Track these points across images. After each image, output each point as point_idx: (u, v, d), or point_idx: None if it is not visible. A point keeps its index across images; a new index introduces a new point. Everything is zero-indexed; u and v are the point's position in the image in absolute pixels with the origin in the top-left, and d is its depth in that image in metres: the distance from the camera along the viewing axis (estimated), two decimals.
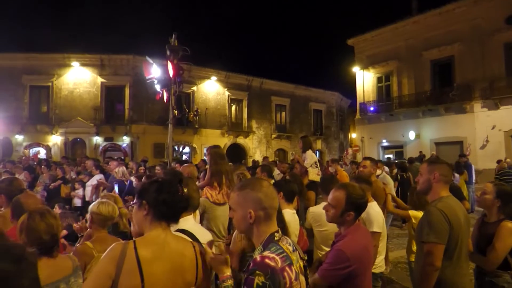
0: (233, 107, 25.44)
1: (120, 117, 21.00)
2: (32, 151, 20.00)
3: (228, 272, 1.64)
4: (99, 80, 20.88)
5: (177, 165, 6.70)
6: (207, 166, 4.42)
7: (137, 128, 20.69)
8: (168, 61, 6.12)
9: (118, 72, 21.02)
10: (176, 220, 1.70)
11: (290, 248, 1.59)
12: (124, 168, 7.28)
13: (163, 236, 1.62)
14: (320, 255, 3.13)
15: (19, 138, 19.96)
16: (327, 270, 2.17)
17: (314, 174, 5.96)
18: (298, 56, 62.21)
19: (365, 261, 2.26)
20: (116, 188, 6.77)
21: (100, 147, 20.47)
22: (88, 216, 2.88)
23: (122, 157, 17.22)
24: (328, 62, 65.19)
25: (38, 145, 20.37)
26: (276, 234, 1.59)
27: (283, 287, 1.42)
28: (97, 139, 20.53)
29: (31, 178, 9.35)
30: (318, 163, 6.32)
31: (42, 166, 10.17)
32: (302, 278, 1.57)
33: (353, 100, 27.49)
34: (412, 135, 20.96)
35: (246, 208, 1.57)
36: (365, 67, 23.86)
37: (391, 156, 21.51)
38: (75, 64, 20.62)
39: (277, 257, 1.47)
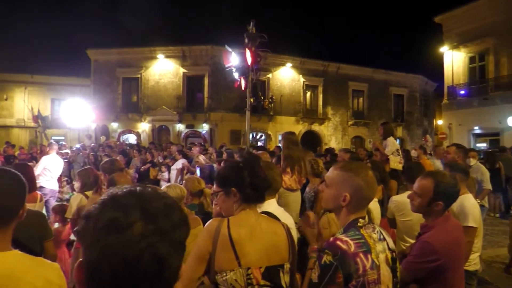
0: (308, 94, 25.12)
1: (200, 105, 22.13)
2: (125, 137, 22.18)
3: (316, 245, 1.68)
4: (181, 70, 22.19)
5: (254, 151, 6.88)
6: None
7: (215, 115, 21.63)
8: (246, 49, 6.25)
9: (198, 62, 22.09)
10: (263, 200, 1.76)
11: (375, 236, 1.55)
12: (203, 156, 7.70)
13: (254, 217, 1.69)
14: (404, 247, 2.99)
15: (114, 125, 22.26)
16: (412, 263, 2.07)
17: (396, 162, 5.64)
18: (377, 38, 58.73)
19: (455, 256, 2.10)
20: (198, 171, 7.20)
21: (182, 134, 21.88)
22: None
23: (202, 143, 18.19)
24: (410, 43, 60.48)
25: (130, 131, 22.50)
26: (360, 220, 1.56)
27: (354, 272, 1.42)
28: (180, 126, 21.96)
29: (125, 161, 10.40)
30: (400, 151, 5.97)
31: (134, 151, 11.21)
32: (385, 269, 1.52)
33: (440, 83, 25.17)
34: (511, 121, 18.55)
35: (343, 190, 1.56)
36: (454, 46, 21.59)
37: (484, 145, 19.36)
38: (160, 56, 22.17)
39: (350, 242, 1.46)
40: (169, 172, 9.54)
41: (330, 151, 8.15)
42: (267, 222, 1.71)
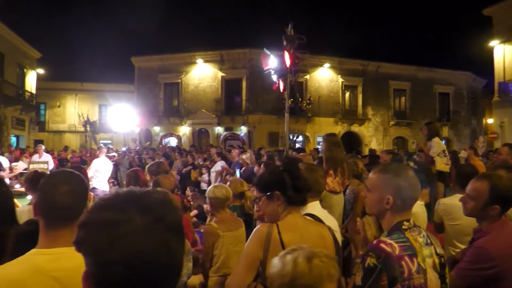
0: (347, 94, 24.64)
1: (238, 108, 22.42)
2: (166, 140, 22.95)
3: (362, 251, 1.66)
4: (220, 74, 22.61)
5: (293, 153, 6.87)
6: (320, 155, 4.42)
7: (253, 118, 21.80)
8: (285, 51, 6.27)
9: (236, 65, 22.40)
10: (305, 202, 1.76)
11: (421, 240, 1.51)
12: (249, 155, 7.78)
13: (301, 221, 1.70)
14: (453, 253, 2.85)
15: (157, 129, 23.11)
16: (465, 269, 1.98)
17: (442, 164, 5.39)
18: (419, 34, 56.39)
19: None
20: (237, 173, 7.29)
21: (221, 136, 22.26)
22: (207, 201, 3.15)
23: (241, 145, 18.40)
24: (456, 38, 57.44)
25: (171, 135, 23.25)
26: (405, 222, 1.53)
27: (399, 276, 1.39)
28: (219, 129, 22.37)
29: (167, 164, 10.77)
30: (446, 152, 5.71)
31: (176, 153, 11.58)
32: (433, 274, 1.47)
33: (489, 80, 23.70)
34: None
35: (385, 193, 1.53)
36: (506, 39, 20.23)
37: None
38: (199, 61, 22.74)
39: (395, 244, 1.43)
40: (209, 174, 9.75)
41: (372, 152, 7.94)
42: (314, 225, 1.72)
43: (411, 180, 1.54)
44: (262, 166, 4.35)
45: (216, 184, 3.16)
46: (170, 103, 23.61)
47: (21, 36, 22.51)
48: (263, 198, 1.77)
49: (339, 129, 23.49)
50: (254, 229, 1.67)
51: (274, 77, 7.04)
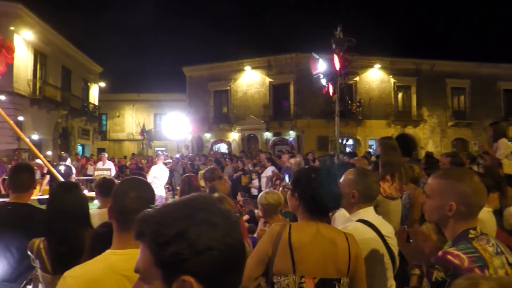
0: (400, 95, 23.62)
1: (286, 113, 22.42)
2: (216, 146, 23.55)
3: (415, 261, 1.60)
4: (267, 80, 22.82)
5: (345, 157, 6.73)
6: (373, 158, 4.28)
7: (301, 122, 21.67)
8: (334, 54, 6.19)
9: (283, 70, 22.47)
10: (324, 215, 1.75)
11: (491, 250, 1.41)
12: (298, 160, 7.77)
13: (315, 224, 1.70)
14: None
15: (207, 136, 23.81)
16: None
17: (511, 167, 4.99)
18: (478, 28, 52.56)
19: None
20: (286, 178, 7.29)
21: (270, 142, 22.38)
22: (259, 207, 3.18)
23: (290, 150, 18.37)
24: None
25: (221, 141, 23.82)
26: (471, 231, 1.44)
27: None
28: (267, 134, 22.52)
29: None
30: None
31: (226, 159, 11.85)
32: None
33: None
34: None
35: (447, 199, 1.47)
36: None
37: None
38: (247, 68, 23.13)
39: (463, 256, 1.34)
40: (259, 179, 9.86)
41: (429, 155, 7.54)
42: (328, 230, 1.70)
43: (476, 186, 1.45)
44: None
45: (268, 190, 3.20)
46: (220, 110, 24.23)
47: (85, 52, 24.49)
48: (290, 190, 1.84)
49: (392, 132, 22.56)
50: (269, 227, 1.73)
51: (324, 81, 6.97)
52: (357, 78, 22.47)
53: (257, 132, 22.62)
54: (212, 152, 18.89)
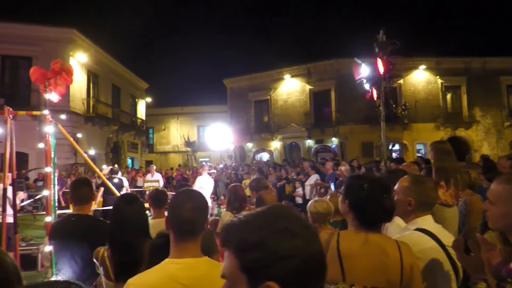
0: (448, 96, 22.44)
1: (328, 119, 22.11)
2: (259, 156, 23.70)
3: (477, 273, 1.50)
4: (307, 87, 22.71)
5: (391, 164, 6.48)
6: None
7: (344, 129, 21.25)
8: (377, 58, 6.04)
9: (323, 77, 22.25)
10: (374, 227, 1.68)
11: None
12: (348, 167, 7.62)
13: (364, 232, 1.65)
14: None
15: (249, 145, 24.05)
16: None
17: None
18: None
19: None
20: (332, 186, 7.17)
21: (312, 149, 22.13)
22: (308, 215, 3.13)
23: (333, 157, 18.05)
24: None
25: (263, 150, 23.95)
26: None
27: None
28: (309, 142, 22.31)
29: None
30: None
31: (270, 168, 11.88)
32: None
33: None
34: None
35: None
36: None
37: None
38: (286, 76, 23.19)
39: None
40: (303, 188, 9.76)
41: (487, 158, 7.06)
42: (379, 239, 1.63)
43: None
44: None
45: (317, 198, 3.16)
46: (261, 120, 24.43)
47: (132, 70, 25.88)
48: (342, 195, 1.82)
49: (442, 135, 21.44)
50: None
51: (367, 86, 6.81)
52: (401, 81, 21.71)
53: (298, 140, 22.49)
54: (254, 161, 19.04)
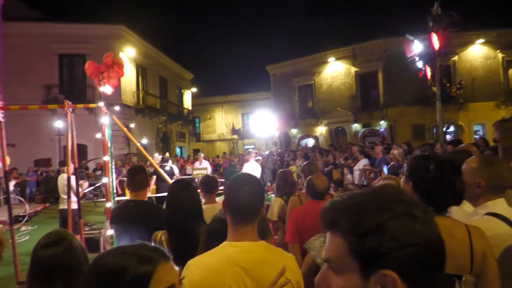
0: (511, 71, 20.58)
1: (375, 102, 21.28)
2: (304, 141, 23.46)
3: None
4: (353, 70, 21.94)
5: (448, 146, 6.08)
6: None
7: (393, 111, 20.34)
8: (432, 33, 5.62)
9: (369, 58, 21.35)
10: (438, 210, 1.55)
11: None
12: (401, 150, 7.30)
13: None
14: None
15: (294, 131, 23.87)
16: None
17: None
18: None
19: None
20: (385, 169, 6.89)
21: (359, 134, 21.48)
22: None
23: (382, 141, 17.41)
24: None
25: (308, 136, 23.65)
26: None
27: None
28: (356, 126, 21.66)
29: None
30: None
31: (316, 153, 11.70)
32: None
33: None
34: None
35: None
36: None
37: None
38: (331, 59, 22.55)
39: None
40: (352, 173, 9.51)
41: None
42: (444, 223, 1.48)
43: None
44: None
45: (387, 175, 3.04)
46: (305, 105, 24.08)
47: (177, 62, 26.57)
48: (404, 177, 1.70)
49: (503, 114, 19.75)
50: None
51: (420, 64, 6.39)
52: (455, 58, 20.26)
53: (344, 125, 21.91)
54: (300, 147, 18.89)
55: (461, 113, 20.12)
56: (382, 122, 20.78)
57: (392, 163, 6.59)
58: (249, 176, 1.56)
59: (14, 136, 13.10)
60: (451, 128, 20.62)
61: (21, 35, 17.16)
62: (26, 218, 9.80)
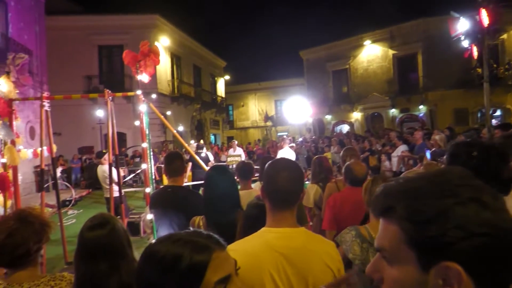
0: None
1: (414, 86, 20.38)
2: (338, 128, 23.00)
3: None
4: (390, 52, 21.08)
5: (496, 131, 5.70)
6: None
7: (433, 95, 19.41)
8: (481, 8, 5.21)
9: (408, 40, 20.40)
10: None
11: None
12: (443, 136, 6.99)
13: None
14: None
15: (328, 117, 23.44)
16: None
17: None
18: None
19: None
20: (428, 155, 6.60)
21: (397, 119, 20.75)
22: None
23: (422, 127, 16.71)
24: None
25: (343, 122, 23.16)
26: None
27: None
28: (393, 111, 20.92)
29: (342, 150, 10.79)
30: None
31: (352, 140, 11.44)
32: None
33: None
34: None
35: None
36: None
37: None
38: (367, 42, 21.76)
39: None
40: (390, 160, 9.22)
41: None
42: None
43: None
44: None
45: (412, 169, 2.92)
46: (340, 90, 23.52)
47: (210, 50, 26.72)
48: (445, 164, 1.67)
49: None
50: None
51: (466, 43, 5.98)
52: (504, 36, 18.86)
53: (381, 110, 21.22)
54: (334, 133, 18.55)
55: (509, 96, 18.83)
56: (421, 106, 19.92)
57: (434, 149, 6.30)
58: (288, 161, 1.52)
59: (59, 126, 13.80)
60: (498, 112, 19.40)
61: (63, 28, 17.91)
62: (72, 203, 10.39)
